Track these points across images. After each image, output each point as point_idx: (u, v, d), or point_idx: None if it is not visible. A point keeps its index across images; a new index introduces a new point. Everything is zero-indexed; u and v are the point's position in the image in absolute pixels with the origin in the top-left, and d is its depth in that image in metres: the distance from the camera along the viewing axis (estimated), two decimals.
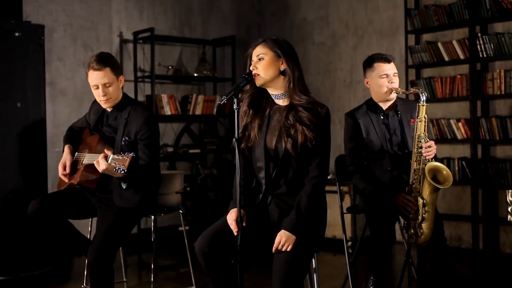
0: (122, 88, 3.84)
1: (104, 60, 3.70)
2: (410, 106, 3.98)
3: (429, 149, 3.74)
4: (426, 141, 3.74)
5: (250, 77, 3.04)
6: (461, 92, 5.92)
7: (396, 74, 3.94)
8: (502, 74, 5.65)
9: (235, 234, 2.99)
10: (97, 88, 3.71)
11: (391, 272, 5.30)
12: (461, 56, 5.90)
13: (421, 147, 3.74)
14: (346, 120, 4.02)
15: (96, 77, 3.69)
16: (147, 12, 6.96)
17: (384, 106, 3.97)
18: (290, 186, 3.07)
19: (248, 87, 3.13)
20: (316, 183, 3.02)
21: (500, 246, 5.83)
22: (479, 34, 5.76)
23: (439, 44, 6.03)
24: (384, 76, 3.91)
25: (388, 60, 3.94)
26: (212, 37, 7.40)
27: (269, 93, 3.14)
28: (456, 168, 5.91)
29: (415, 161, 3.76)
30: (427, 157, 3.74)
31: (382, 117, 3.95)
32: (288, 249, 2.95)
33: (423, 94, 3.78)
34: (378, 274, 3.92)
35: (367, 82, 4.00)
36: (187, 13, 7.30)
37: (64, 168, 3.85)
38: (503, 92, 5.65)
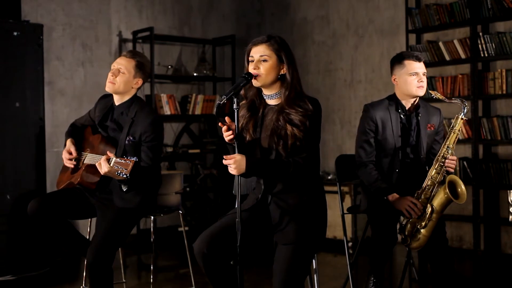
0: (137, 90, 3.84)
1: (135, 54, 3.81)
2: (430, 111, 3.94)
3: (453, 162, 3.75)
4: (452, 154, 3.74)
5: (250, 77, 3.03)
6: (462, 92, 5.89)
7: (425, 74, 3.89)
8: (504, 73, 5.63)
9: None
10: (113, 68, 3.76)
11: (392, 272, 5.28)
12: (462, 56, 5.88)
13: (445, 158, 3.73)
14: (364, 111, 3.95)
15: (118, 60, 3.78)
16: (147, 11, 6.94)
17: (408, 105, 3.91)
18: (286, 183, 3.05)
19: (248, 87, 3.12)
20: (297, 161, 2.98)
21: (501, 246, 5.81)
22: (481, 34, 5.74)
23: (440, 44, 6.01)
24: (414, 74, 3.84)
25: (419, 59, 3.88)
26: (212, 36, 7.38)
27: (261, 94, 3.14)
28: (458, 168, 5.88)
29: (435, 169, 3.74)
30: (448, 169, 3.74)
31: (402, 117, 3.91)
32: (232, 168, 2.91)
33: (465, 107, 3.75)
34: (378, 275, 3.90)
35: (394, 79, 3.94)
36: (187, 12, 7.27)
37: (70, 154, 3.83)
38: (504, 92, 5.63)
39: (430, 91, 3.94)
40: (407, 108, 3.90)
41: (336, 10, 7.04)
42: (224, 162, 2.95)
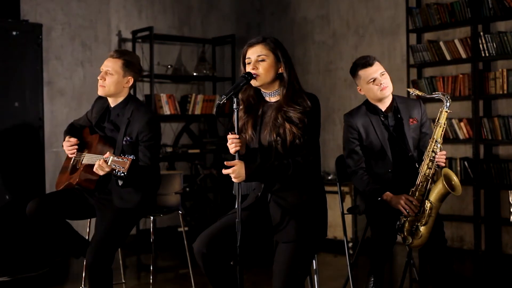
0: (130, 89, 3.81)
1: (122, 53, 3.77)
2: (409, 105, 3.93)
3: (443, 156, 3.74)
4: (440, 148, 3.73)
5: (250, 77, 3.02)
6: (463, 92, 5.88)
7: (384, 73, 3.86)
8: (505, 73, 5.61)
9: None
10: (101, 71, 3.73)
11: (392, 273, 5.26)
12: (463, 55, 5.86)
13: (435, 152, 3.71)
14: (344, 121, 3.98)
15: (105, 62, 3.75)
16: (146, 11, 6.92)
17: (383, 107, 3.91)
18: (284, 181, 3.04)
19: (244, 90, 3.11)
20: (297, 161, 2.97)
21: (502, 247, 5.79)
22: (481, 33, 5.72)
23: (441, 43, 5.99)
24: (371, 80, 3.83)
25: (369, 64, 3.85)
26: (212, 36, 7.36)
27: (260, 93, 3.14)
28: (458, 168, 5.87)
29: (426, 165, 3.72)
30: (439, 163, 3.72)
31: (382, 119, 3.90)
32: (232, 177, 2.91)
33: (448, 100, 3.74)
34: (379, 275, 3.88)
35: (359, 90, 3.95)
36: (187, 11, 7.26)
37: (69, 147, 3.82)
38: (505, 92, 5.61)
39: (408, 89, 3.93)
40: (383, 110, 3.90)
41: (337, 10, 7.02)
42: (224, 172, 2.95)
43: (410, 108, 3.91)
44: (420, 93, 3.81)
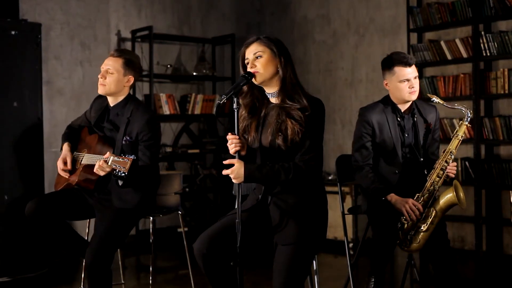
0: (130, 88, 3.79)
1: (122, 52, 3.77)
2: (426, 109, 3.91)
3: (454, 167, 3.74)
4: (452, 159, 3.73)
5: (250, 76, 3.00)
6: (464, 92, 5.86)
7: (417, 77, 3.84)
8: (506, 73, 5.59)
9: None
10: (101, 70, 3.72)
11: (393, 274, 5.24)
12: (464, 55, 5.84)
13: (447, 163, 3.71)
14: (360, 115, 3.93)
15: (106, 61, 3.74)
16: (146, 10, 6.90)
17: (403, 108, 3.88)
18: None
19: (246, 91, 3.08)
20: (298, 166, 2.95)
21: (503, 247, 5.77)
22: (483, 33, 5.70)
23: (442, 43, 5.97)
24: (405, 81, 3.80)
25: (409, 64, 3.81)
26: (212, 35, 7.34)
27: (264, 94, 3.12)
28: (459, 169, 5.84)
29: (436, 173, 3.71)
30: (449, 174, 3.73)
31: (398, 119, 3.87)
32: (231, 176, 2.91)
33: (469, 113, 3.74)
34: (379, 276, 3.86)
35: (386, 84, 3.90)
36: (186, 11, 7.24)
37: (65, 164, 3.79)
38: (506, 92, 5.59)
39: (429, 95, 3.89)
40: (402, 111, 3.88)
41: (337, 9, 7.00)
42: (224, 172, 2.94)
43: (427, 113, 3.90)
44: (441, 102, 3.78)
